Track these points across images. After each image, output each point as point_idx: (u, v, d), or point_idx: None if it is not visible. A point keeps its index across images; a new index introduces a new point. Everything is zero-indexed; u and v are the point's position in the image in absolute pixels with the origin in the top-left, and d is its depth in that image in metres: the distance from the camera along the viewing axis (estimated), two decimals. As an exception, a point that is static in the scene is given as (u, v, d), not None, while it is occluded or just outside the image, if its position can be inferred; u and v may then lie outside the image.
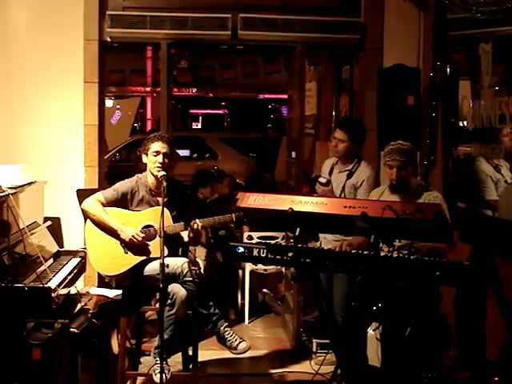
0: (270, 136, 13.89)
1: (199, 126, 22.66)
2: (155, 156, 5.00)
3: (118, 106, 18.08)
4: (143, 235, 4.92)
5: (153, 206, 5.06)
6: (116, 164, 13.66)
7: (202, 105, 22.19)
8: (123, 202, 5.07)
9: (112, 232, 4.94)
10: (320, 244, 4.88)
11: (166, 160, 5.01)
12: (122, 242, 4.93)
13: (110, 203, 5.01)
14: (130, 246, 4.93)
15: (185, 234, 5.01)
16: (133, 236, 4.88)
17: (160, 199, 4.90)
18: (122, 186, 5.11)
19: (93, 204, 4.99)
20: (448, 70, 6.02)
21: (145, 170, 5.17)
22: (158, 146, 5.02)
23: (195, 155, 15.08)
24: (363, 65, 6.75)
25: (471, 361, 5.07)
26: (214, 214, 5.12)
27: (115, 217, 4.97)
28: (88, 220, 5.02)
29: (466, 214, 5.96)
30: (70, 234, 5.95)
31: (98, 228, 4.97)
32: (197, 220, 4.96)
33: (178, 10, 6.41)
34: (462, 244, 5.01)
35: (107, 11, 6.32)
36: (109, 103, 16.23)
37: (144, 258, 4.95)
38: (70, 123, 6.32)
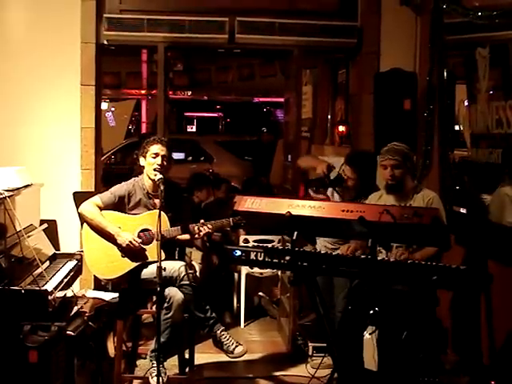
0: (264, 140, 13.90)
1: (194, 129, 22.64)
2: (154, 158, 5.01)
3: (112, 109, 18.06)
4: (140, 241, 4.92)
5: (150, 209, 5.05)
6: (111, 167, 13.65)
7: (197, 108, 22.17)
8: (120, 205, 5.06)
9: (109, 236, 4.93)
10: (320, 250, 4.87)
11: (164, 162, 5.02)
12: (119, 247, 4.93)
13: (107, 207, 5.01)
14: (127, 251, 4.93)
15: (184, 236, 5.03)
16: (130, 242, 4.87)
17: (157, 201, 4.92)
18: (119, 189, 5.11)
19: (90, 208, 4.98)
20: (445, 74, 6.03)
21: (141, 173, 5.17)
22: (157, 148, 5.03)
23: (190, 158, 15.06)
24: (360, 69, 6.76)
25: (470, 365, 5.07)
26: (211, 218, 5.12)
27: (113, 220, 4.97)
28: (85, 223, 5.01)
29: (460, 217, 5.97)
30: (66, 237, 5.95)
31: (95, 232, 4.97)
32: (207, 223, 4.97)
33: (176, 13, 6.41)
34: (457, 247, 5.02)
35: (104, 14, 6.32)
36: (104, 106, 16.20)
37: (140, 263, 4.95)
38: (66, 126, 6.32)
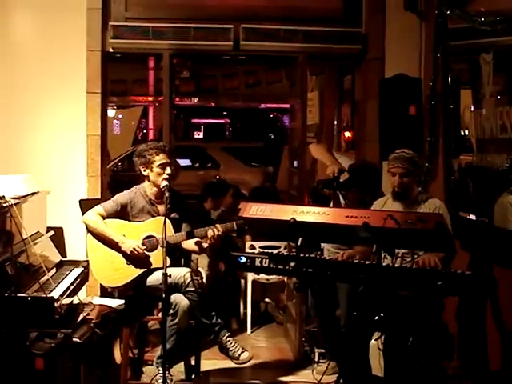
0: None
1: (201, 136, 22.69)
2: (162, 168, 5.03)
3: (119, 116, 18.13)
4: (144, 247, 4.93)
5: (153, 216, 5.07)
6: (118, 174, 13.70)
7: (203, 114, 22.23)
8: (123, 213, 5.08)
9: (113, 245, 4.96)
10: (322, 253, 4.87)
11: (172, 170, 5.07)
12: (124, 254, 4.94)
13: (110, 215, 5.04)
14: (132, 258, 4.94)
15: (192, 244, 5.04)
16: (134, 249, 4.89)
17: (160, 208, 4.94)
18: (122, 197, 5.13)
19: (93, 217, 5.01)
20: (449, 79, 6.02)
21: (143, 181, 5.19)
22: (163, 158, 5.05)
23: (197, 165, 15.10)
24: (365, 75, 6.75)
25: (473, 371, 5.06)
26: None
27: (116, 228, 4.98)
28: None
29: (466, 223, 5.95)
30: (73, 244, 5.96)
31: (99, 241, 5.00)
32: (217, 225, 4.98)
33: (181, 20, 6.43)
34: (462, 252, 5.01)
35: (110, 22, 6.34)
36: (111, 113, 16.26)
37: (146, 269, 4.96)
38: (72, 133, 6.32)
